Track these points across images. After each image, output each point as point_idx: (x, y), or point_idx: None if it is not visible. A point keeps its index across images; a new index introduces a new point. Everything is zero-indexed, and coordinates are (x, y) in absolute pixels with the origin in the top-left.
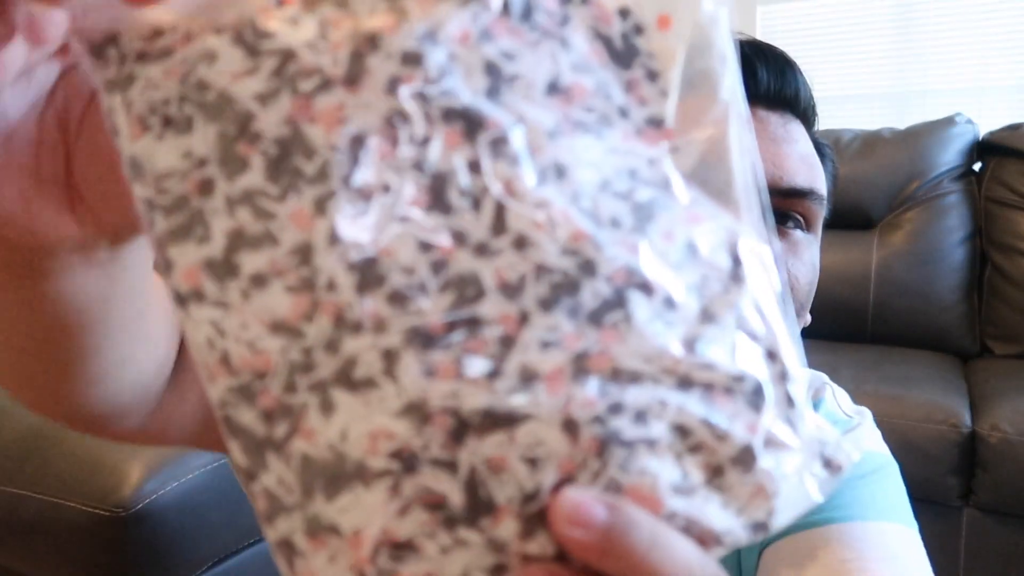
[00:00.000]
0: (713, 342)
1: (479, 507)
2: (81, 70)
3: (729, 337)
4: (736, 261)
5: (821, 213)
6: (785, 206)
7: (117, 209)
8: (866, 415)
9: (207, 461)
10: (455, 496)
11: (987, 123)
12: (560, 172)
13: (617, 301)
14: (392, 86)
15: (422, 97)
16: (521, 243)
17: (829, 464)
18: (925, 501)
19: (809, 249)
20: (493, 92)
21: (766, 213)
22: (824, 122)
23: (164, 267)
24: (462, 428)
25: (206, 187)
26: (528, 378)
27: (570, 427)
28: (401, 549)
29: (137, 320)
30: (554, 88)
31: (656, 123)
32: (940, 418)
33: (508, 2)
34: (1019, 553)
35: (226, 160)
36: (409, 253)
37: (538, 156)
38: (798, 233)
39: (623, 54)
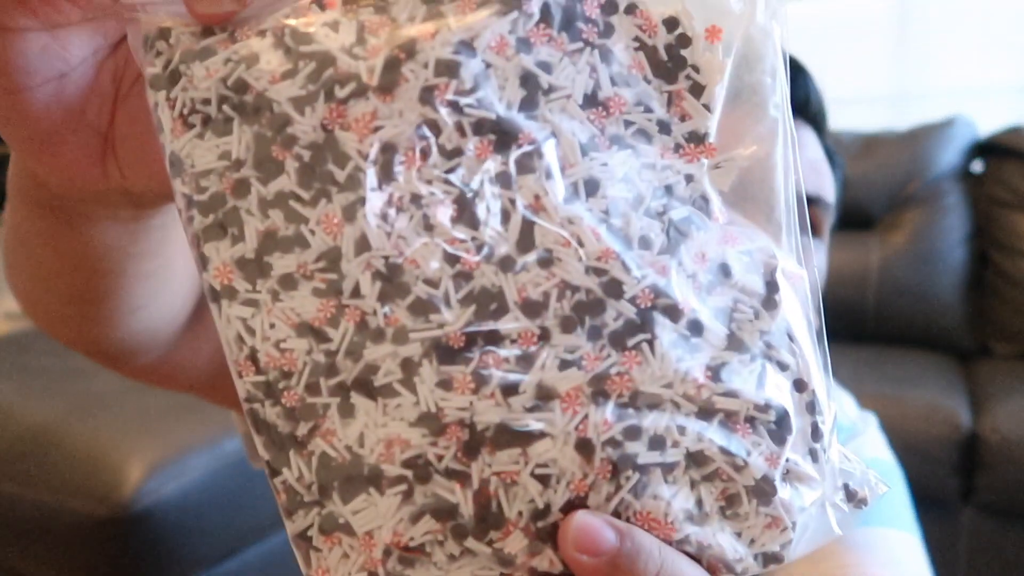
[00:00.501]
0: (739, 370)
1: (489, 520)
2: None
3: (757, 365)
4: (771, 286)
5: (828, 219)
6: None
7: (145, 173)
8: (870, 421)
9: (207, 461)
10: (466, 507)
11: (987, 123)
12: (592, 188)
13: (642, 323)
14: (426, 96)
15: (455, 107)
16: (547, 260)
17: (853, 497)
18: (925, 501)
19: (815, 255)
20: (528, 103)
21: (804, 234)
22: None
23: (200, 262)
24: (476, 441)
25: (241, 188)
26: (545, 396)
27: (584, 447)
28: (411, 553)
29: (156, 273)
30: (592, 100)
31: (697, 139)
32: (940, 418)
33: (548, 11)
34: (1019, 553)
35: (261, 163)
36: (434, 264)
37: (570, 171)
38: (803, 239)
39: (667, 66)
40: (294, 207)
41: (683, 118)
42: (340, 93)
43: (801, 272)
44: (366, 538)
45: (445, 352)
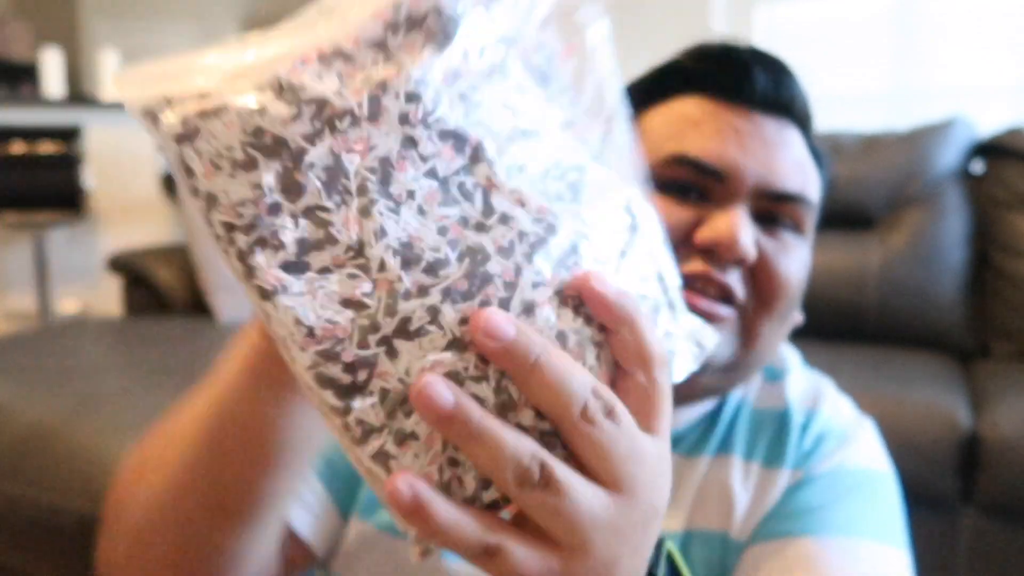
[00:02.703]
0: (630, 271)
1: (506, 403)
2: None
3: (637, 267)
4: (632, 215)
5: (812, 218)
6: (776, 209)
7: None
8: (865, 427)
9: None
10: (489, 397)
11: (987, 123)
12: (520, 168)
13: (572, 249)
14: (403, 119)
15: (425, 124)
16: (505, 219)
17: (700, 344)
18: (925, 502)
19: (799, 250)
20: (467, 115)
21: (647, 182)
22: (824, 122)
23: (247, 273)
24: None
25: (275, 209)
26: (528, 310)
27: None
28: None
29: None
30: (504, 106)
31: (570, 124)
32: (940, 418)
33: (466, 50)
34: (1019, 554)
35: (288, 188)
36: (432, 237)
37: (503, 158)
38: (787, 235)
39: (545, 76)
40: (320, 215)
41: (561, 109)
42: (340, 126)
43: (648, 205)
44: (428, 438)
45: (456, 294)
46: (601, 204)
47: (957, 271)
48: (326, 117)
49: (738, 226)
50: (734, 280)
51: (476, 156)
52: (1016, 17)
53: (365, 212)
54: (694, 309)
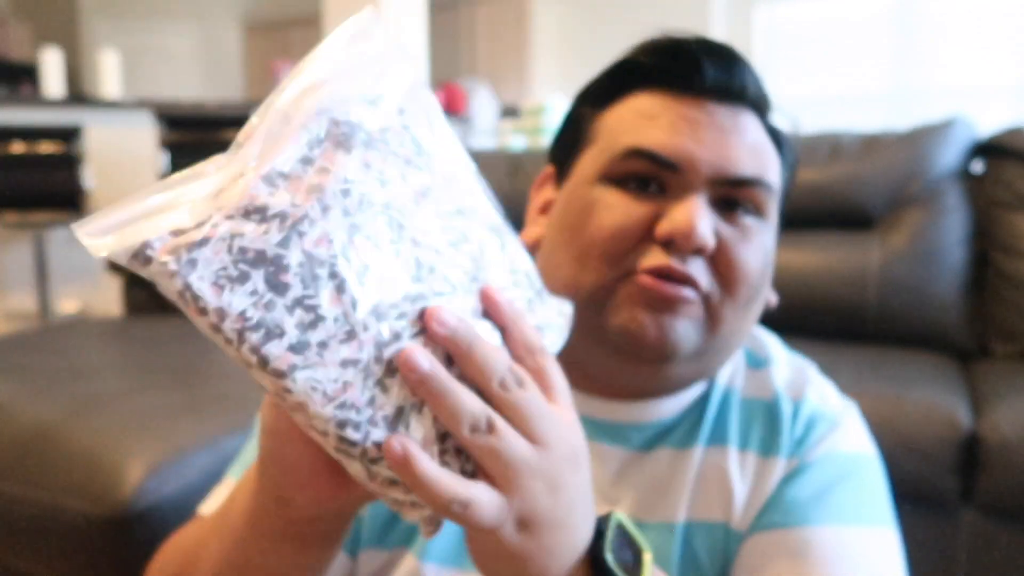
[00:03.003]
0: (507, 278)
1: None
2: None
3: (512, 273)
4: (500, 236)
5: (772, 200)
6: (734, 194)
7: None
8: (849, 410)
9: (207, 461)
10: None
11: (987, 123)
12: (426, 220)
13: (474, 277)
14: (345, 211)
15: (361, 209)
16: (433, 270)
17: (562, 312)
18: (925, 502)
19: (760, 235)
20: (385, 193)
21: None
22: (824, 122)
23: (261, 362)
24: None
25: (271, 305)
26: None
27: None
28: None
29: None
30: (403, 179)
31: (452, 179)
32: (940, 418)
33: (368, 140)
34: (1020, 554)
35: (276, 288)
36: (393, 299)
37: (415, 219)
38: (748, 219)
39: (418, 148)
40: (308, 302)
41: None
42: (303, 228)
43: (506, 230)
44: (426, 437)
45: (416, 329)
46: (489, 241)
47: (957, 271)
48: (289, 225)
49: (695, 216)
50: (696, 269)
51: (401, 224)
52: (1016, 17)
53: (340, 289)
54: (661, 295)
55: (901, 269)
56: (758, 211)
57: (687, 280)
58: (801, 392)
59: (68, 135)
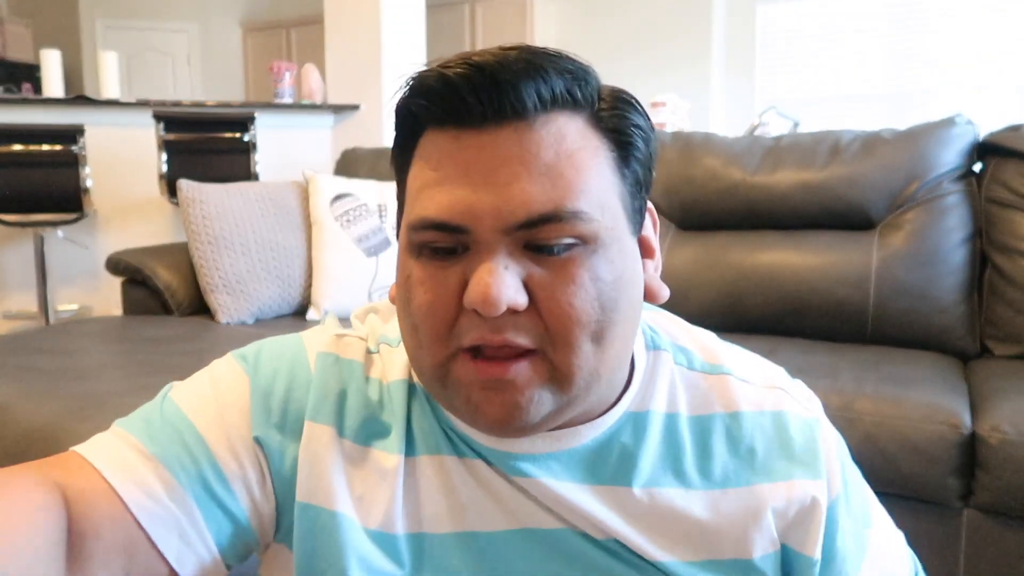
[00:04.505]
0: None
1: None
2: None
3: None
4: None
5: (585, 221)
6: (536, 238)
7: None
8: (793, 394)
9: None
10: None
11: (987, 123)
12: None
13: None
14: None
15: None
16: None
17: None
18: (925, 502)
19: (584, 263)
20: None
21: None
22: (824, 122)
23: None
24: None
25: None
26: None
27: None
28: None
29: None
30: None
31: None
32: (940, 418)
33: None
34: (1019, 554)
35: None
36: None
37: None
38: (565, 255)
39: None
40: None
41: None
42: None
43: None
44: None
45: None
46: None
47: (957, 271)
48: None
49: (488, 284)
50: (513, 334)
51: None
52: (1016, 18)
53: None
54: (487, 377)
55: (901, 269)
56: (577, 238)
57: (505, 346)
58: (780, 403)
59: (68, 135)
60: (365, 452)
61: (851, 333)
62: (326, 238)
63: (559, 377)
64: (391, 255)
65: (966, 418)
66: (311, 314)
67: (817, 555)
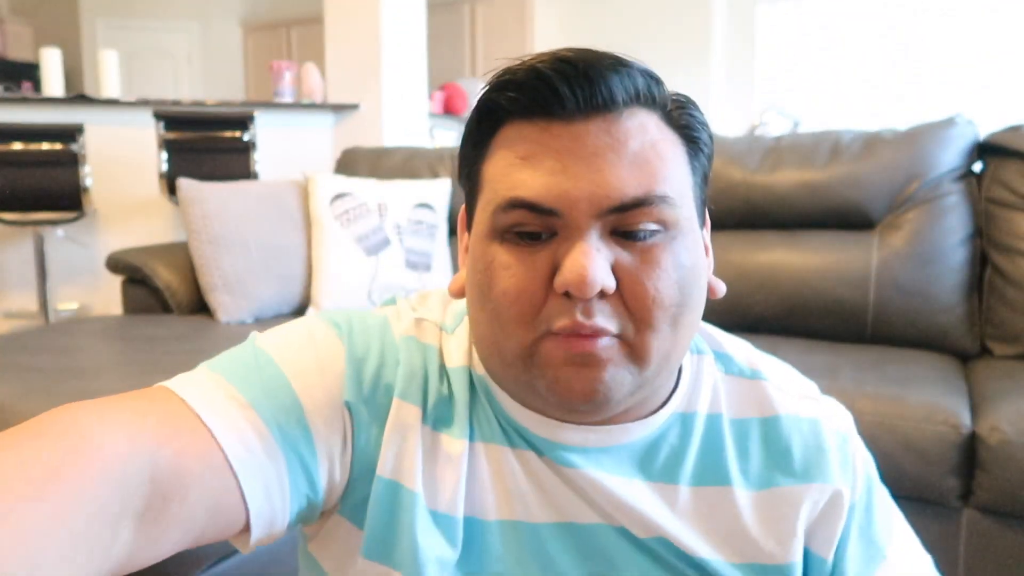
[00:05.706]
0: None
1: None
2: None
3: None
4: None
5: (673, 207)
6: (624, 223)
7: None
8: (830, 406)
9: None
10: None
11: (987, 123)
12: None
13: None
14: None
15: None
16: None
17: None
18: (925, 502)
19: (668, 249)
20: None
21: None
22: (824, 122)
23: None
24: None
25: None
26: None
27: None
28: None
29: None
30: None
31: None
32: (940, 418)
33: None
34: (1019, 554)
35: None
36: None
37: None
38: (649, 240)
39: None
40: None
41: None
42: None
43: None
44: None
45: None
46: None
47: (957, 271)
48: None
49: (584, 265)
50: (603, 319)
51: None
52: (1017, 18)
53: None
54: (577, 352)
55: (901, 269)
56: (661, 224)
57: (596, 333)
58: (815, 409)
59: (68, 135)
60: (436, 436)
61: (851, 333)
62: (326, 237)
63: (636, 358)
64: (391, 254)
65: (966, 418)
66: (311, 313)
67: (829, 557)
